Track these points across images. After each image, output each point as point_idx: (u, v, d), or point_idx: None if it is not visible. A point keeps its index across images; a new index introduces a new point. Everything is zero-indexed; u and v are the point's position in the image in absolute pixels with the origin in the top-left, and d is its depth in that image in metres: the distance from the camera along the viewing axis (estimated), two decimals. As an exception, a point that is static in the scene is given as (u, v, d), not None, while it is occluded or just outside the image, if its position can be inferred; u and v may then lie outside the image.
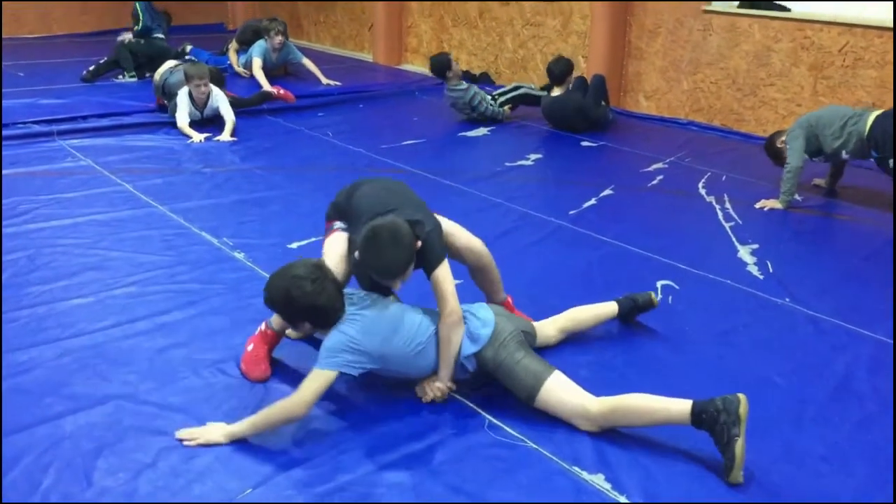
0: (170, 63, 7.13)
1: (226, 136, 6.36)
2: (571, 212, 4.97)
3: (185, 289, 3.73)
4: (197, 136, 6.32)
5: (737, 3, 7.17)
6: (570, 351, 3.27)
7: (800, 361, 3.26)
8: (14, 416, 2.71)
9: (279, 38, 8.42)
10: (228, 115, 6.49)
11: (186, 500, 2.34)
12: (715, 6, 7.16)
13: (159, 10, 8.93)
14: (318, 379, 2.66)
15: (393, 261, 2.78)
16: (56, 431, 2.64)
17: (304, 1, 11.79)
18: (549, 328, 3.29)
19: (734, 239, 4.59)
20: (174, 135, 6.44)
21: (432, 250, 2.94)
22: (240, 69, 8.90)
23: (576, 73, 7.18)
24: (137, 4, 8.52)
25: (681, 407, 2.60)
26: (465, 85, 7.16)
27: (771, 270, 4.14)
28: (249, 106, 7.21)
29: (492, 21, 9.10)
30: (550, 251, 4.37)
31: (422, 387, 2.91)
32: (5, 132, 6.13)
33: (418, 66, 9.97)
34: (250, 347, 3.11)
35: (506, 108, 7.40)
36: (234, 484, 2.43)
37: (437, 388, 2.88)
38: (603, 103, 7.02)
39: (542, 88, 7.60)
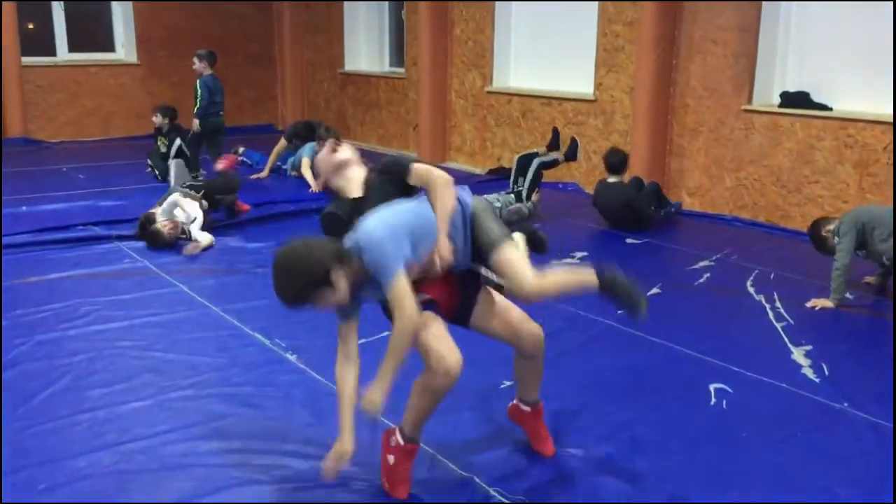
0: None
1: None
2: (619, 311, 4.95)
3: (240, 392, 3.78)
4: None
5: (777, 103, 7.27)
6: (627, 456, 3.23)
7: (862, 471, 3.17)
8: (74, 523, 2.75)
9: None
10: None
11: None
12: (755, 106, 7.27)
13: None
14: (399, 285, 2.61)
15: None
16: (114, 540, 2.67)
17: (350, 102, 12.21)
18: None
19: (787, 340, 4.54)
20: (229, 235, 6.61)
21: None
22: (288, 168, 9.16)
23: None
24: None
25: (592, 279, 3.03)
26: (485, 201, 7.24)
27: (826, 373, 4.08)
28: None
29: (534, 121, 9.31)
30: (599, 353, 4.36)
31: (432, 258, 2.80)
32: (68, 234, 6.38)
33: (462, 164, 10.18)
34: (391, 460, 2.95)
35: (534, 195, 7.36)
36: None
37: (443, 248, 2.80)
38: (654, 208, 7.12)
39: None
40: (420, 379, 2.82)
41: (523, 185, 7.31)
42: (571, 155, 7.58)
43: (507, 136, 9.71)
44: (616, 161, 7.09)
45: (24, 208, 7.20)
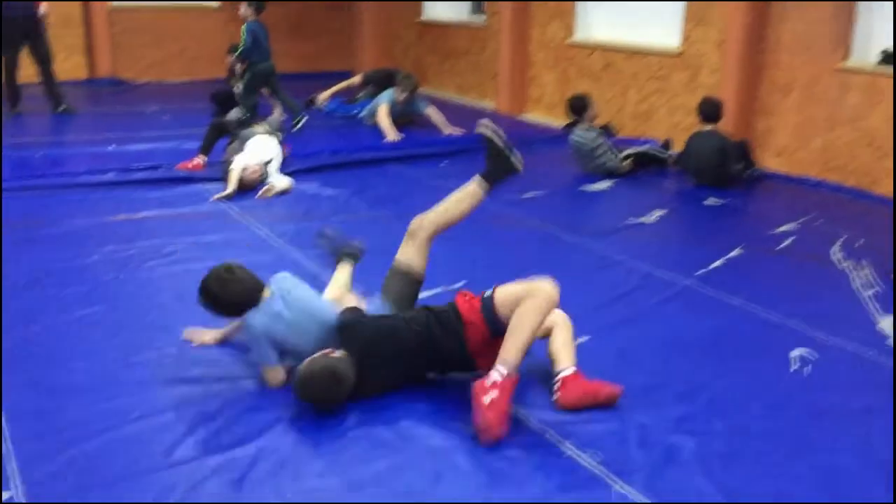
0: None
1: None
2: (698, 272, 4.88)
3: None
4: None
5: (876, 61, 6.94)
6: (705, 417, 3.20)
7: (950, 447, 3.08)
8: (163, 453, 2.88)
9: (404, 96, 8.69)
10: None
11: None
12: (851, 65, 6.96)
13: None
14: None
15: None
16: (199, 470, 2.78)
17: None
18: (422, 248, 3.66)
19: (873, 309, 4.40)
20: (305, 181, 6.70)
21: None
22: (364, 115, 9.21)
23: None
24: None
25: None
26: (596, 132, 7.21)
27: (915, 345, 3.95)
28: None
29: (616, 74, 9.11)
30: (676, 314, 4.30)
31: None
32: (152, 174, 6.56)
33: (540, 117, 10.06)
34: (493, 396, 2.97)
35: (626, 163, 7.34)
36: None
37: None
38: (741, 165, 6.94)
39: (664, 146, 7.58)
40: (523, 306, 3.06)
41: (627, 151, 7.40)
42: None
43: (588, 89, 9.50)
44: (710, 109, 6.90)
45: (111, 147, 7.42)
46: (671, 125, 8.39)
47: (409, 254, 3.67)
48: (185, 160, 6.83)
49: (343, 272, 3.92)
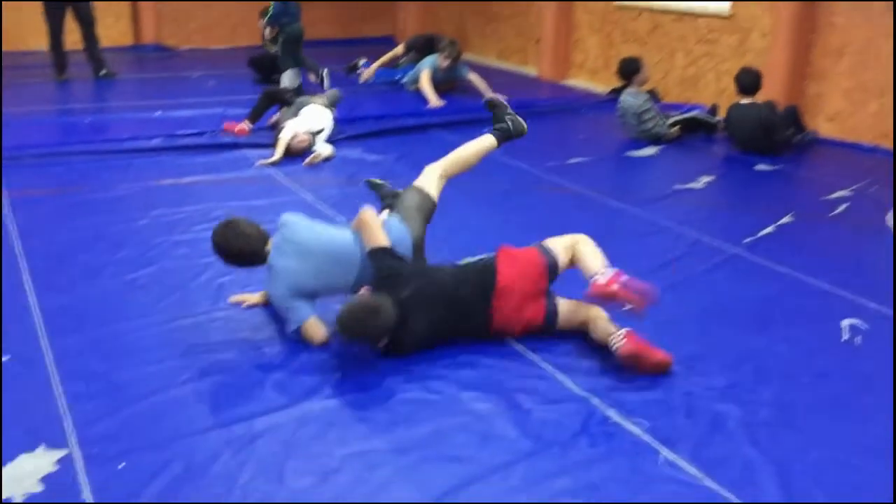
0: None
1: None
2: (746, 240, 4.80)
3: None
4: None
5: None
6: (752, 386, 3.17)
7: None
8: (211, 414, 2.93)
9: (447, 63, 8.62)
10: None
11: (369, 509, 2.45)
12: (910, 25, 6.73)
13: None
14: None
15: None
16: (249, 431, 2.83)
17: (471, 5, 12.00)
18: (433, 179, 3.95)
19: (929, 278, 4.29)
20: (349, 147, 6.71)
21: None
22: (405, 82, 9.15)
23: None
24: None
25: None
26: (645, 95, 7.09)
27: (972, 315, 3.85)
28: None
29: (663, 37, 8.93)
30: (724, 281, 4.24)
31: None
32: (197, 140, 6.61)
33: (583, 82, 9.92)
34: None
35: (674, 129, 7.22)
36: (415, 496, 2.51)
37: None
38: (790, 131, 6.77)
39: (711, 111, 7.43)
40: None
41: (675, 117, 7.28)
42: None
43: (633, 53, 9.33)
44: (748, 81, 6.73)
45: (158, 113, 7.49)
46: (718, 90, 8.21)
47: (422, 180, 3.98)
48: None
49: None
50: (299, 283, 3.41)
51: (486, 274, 3.43)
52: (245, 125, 6.82)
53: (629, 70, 7.18)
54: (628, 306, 3.29)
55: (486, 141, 4.10)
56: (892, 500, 2.43)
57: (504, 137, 4.12)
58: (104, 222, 4.79)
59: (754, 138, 6.68)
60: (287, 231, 3.54)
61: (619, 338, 3.24)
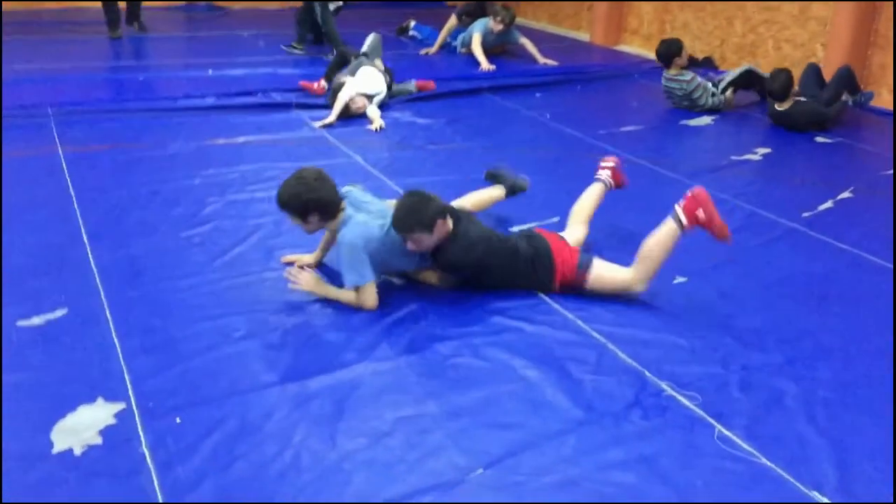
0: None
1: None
2: (805, 214, 4.69)
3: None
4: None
5: None
6: (809, 362, 3.11)
7: None
8: (266, 373, 2.96)
9: (500, 27, 8.50)
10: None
11: (419, 473, 2.46)
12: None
13: None
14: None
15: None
16: (303, 391, 2.85)
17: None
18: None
19: None
20: (402, 109, 6.67)
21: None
22: (457, 45, 9.04)
23: (811, 61, 6.71)
24: None
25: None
26: (689, 76, 6.89)
27: None
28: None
29: (721, 3, 8.69)
30: (781, 256, 4.15)
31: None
32: (249, 100, 6.63)
33: (637, 48, 9.72)
34: (700, 213, 3.40)
35: (728, 93, 7.02)
36: (465, 461, 2.52)
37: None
38: (845, 97, 6.53)
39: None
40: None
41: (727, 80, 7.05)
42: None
43: (689, 19, 9.13)
44: (778, 87, 6.29)
45: (210, 72, 7.52)
46: (778, 59, 7.98)
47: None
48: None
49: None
50: (372, 241, 3.41)
51: (536, 238, 3.65)
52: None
53: (670, 52, 6.83)
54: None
55: (496, 191, 4.33)
56: (892, 501, 2.38)
57: (511, 193, 4.35)
58: (158, 180, 4.84)
59: (808, 129, 6.41)
60: (361, 195, 3.63)
61: (678, 206, 3.43)
